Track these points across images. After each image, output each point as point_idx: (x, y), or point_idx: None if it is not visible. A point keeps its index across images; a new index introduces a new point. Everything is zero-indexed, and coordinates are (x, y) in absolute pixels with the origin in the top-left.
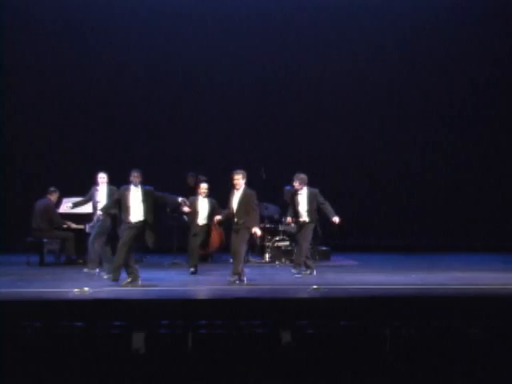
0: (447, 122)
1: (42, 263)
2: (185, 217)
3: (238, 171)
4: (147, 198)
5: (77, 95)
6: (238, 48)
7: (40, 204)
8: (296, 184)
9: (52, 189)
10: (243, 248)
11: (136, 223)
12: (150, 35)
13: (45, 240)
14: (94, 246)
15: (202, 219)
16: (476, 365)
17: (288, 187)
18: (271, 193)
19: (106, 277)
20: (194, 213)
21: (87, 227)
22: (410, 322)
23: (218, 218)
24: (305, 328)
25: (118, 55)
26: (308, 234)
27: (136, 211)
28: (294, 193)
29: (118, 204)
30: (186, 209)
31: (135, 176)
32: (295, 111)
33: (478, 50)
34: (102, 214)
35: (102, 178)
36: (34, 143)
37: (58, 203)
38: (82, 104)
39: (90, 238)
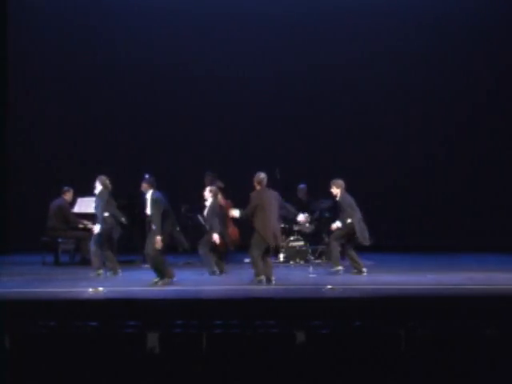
0: (461, 120)
1: (57, 263)
2: (199, 217)
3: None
4: None
5: (90, 94)
6: (253, 45)
7: (55, 204)
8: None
9: (66, 188)
10: (252, 251)
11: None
12: (167, 37)
13: (60, 240)
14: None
15: None
16: (492, 365)
17: (302, 185)
18: (286, 192)
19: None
20: None
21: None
22: (425, 323)
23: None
24: (319, 328)
25: (137, 56)
26: (335, 234)
27: None
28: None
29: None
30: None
31: None
32: (310, 111)
33: (484, 48)
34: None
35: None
36: (48, 142)
37: (73, 203)
38: (98, 103)
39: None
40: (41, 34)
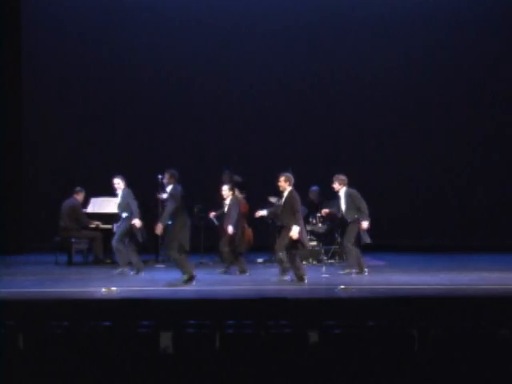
0: (467, 119)
1: (70, 263)
2: (213, 218)
3: (282, 174)
4: None
5: (103, 94)
6: (261, 48)
7: (67, 204)
8: (335, 185)
9: (78, 188)
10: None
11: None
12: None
13: (73, 240)
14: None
15: None
16: (506, 366)
17: (314, 187)
18: (298, 193)
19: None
20: None
21: (115, 227)
22: (439, 323)
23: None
24: (332, 328)
25: (147, 57)
26: (349, 233)
27: None
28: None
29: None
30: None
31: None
32: (323, 112)
33: (485, 48)
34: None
35: (117, 183)
36: (61, 143)
37: (86, 203)
38: (109, 103)
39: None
40: (57, 36)
